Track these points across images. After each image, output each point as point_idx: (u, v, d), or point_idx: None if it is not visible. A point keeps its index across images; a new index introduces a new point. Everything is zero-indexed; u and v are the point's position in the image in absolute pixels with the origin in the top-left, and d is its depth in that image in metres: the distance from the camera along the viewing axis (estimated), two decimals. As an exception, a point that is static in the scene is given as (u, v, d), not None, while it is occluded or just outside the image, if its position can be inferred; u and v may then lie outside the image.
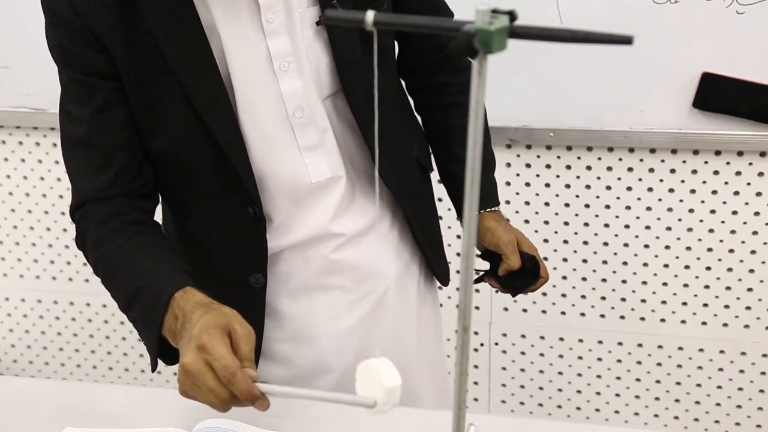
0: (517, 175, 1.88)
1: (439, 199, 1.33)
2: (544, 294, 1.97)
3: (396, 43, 1.20)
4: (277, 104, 1.04)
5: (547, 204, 1.90)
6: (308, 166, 1.08)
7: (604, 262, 1.92)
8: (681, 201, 1.83)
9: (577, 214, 1.89)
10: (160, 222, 1.15)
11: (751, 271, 1.86)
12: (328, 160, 1.09)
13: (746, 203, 1.81)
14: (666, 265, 1.89)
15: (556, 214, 1.90)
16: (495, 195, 1.26)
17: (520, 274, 1.21)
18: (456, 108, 1.23)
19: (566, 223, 1.90)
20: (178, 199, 1.14)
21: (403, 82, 1.27)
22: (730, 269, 1.87)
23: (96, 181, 1.05)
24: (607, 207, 1.87)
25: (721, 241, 1.85)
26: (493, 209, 1.24)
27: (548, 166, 1.87)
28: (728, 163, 1.78)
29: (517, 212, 1.91)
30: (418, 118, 1.30)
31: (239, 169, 1.04)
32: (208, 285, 0.99)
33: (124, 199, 1.06)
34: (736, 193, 1.80)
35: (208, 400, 0.86)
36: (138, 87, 1.01)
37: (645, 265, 1.90)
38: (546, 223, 1.91)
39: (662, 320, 1.94)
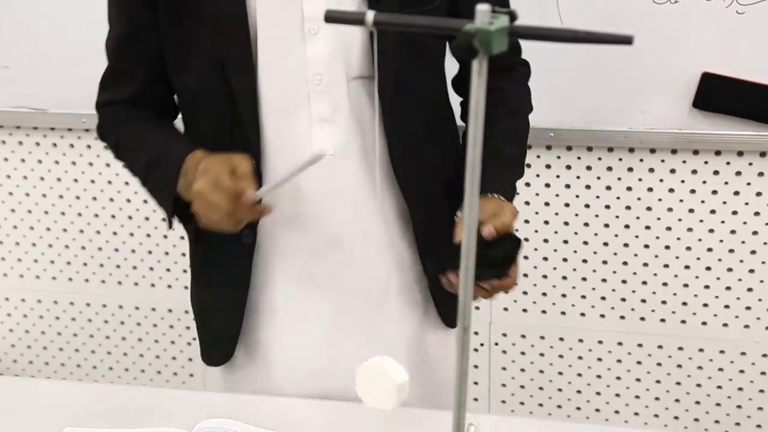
0: (517, 175, 1.88)
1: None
2: (544, 294, 1.97)
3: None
4: (299, 65, 1.05)
5: (547, 204, 1.90)
6: (314, 138, 1.07)
7: (604, 262, 1.92)
8: (681, 201, 1.83)
9: (577, 214, 1.89)
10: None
11: (751, 271, 1.86)
12: (335, 138, 1.07)
13: (746, 203, 1.81)
14: (666, 265, 1.89)
15: (556, 214, 1.90)
16: (509, 187, 1.16)
17: (491, 259, 1.08)
18: (502, 107, 1.17)
19: (566, 223, 1.90)
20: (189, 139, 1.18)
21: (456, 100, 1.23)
22: (730, 269, 1.87)
23: (122, 90, 1.15)
24: (607, 207, 1.87)
25: (721, 241, 1.85)
26: (502, 198, 1.14)
27: (548, 166, 1.86)
28: (728, 163, 1.78)
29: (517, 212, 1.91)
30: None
31: (246, 120, 1.06)
32: (205, 236, 1.11)
33: (146, 109, 1.17)
34: (736, 193, 1.80)
35: (218, 216, 0.98)
36: (171, 22, 1.07)
37: (645, 265, 1.90)
38: (546, 223, 1.91)
39: (662, 320, 1.94)
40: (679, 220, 1.85)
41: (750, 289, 1.88)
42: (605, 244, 1.90)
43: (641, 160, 1.82)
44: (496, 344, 2.05)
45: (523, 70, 1.24)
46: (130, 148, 1.15)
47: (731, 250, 1.85)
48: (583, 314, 1.98)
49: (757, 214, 1.81)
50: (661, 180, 1.82)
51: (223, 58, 1.04)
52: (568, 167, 1.86)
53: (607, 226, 1.89)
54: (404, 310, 1.20)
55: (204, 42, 1.05)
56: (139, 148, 1.14)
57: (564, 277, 1.95)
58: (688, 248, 1.87)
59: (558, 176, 1.87)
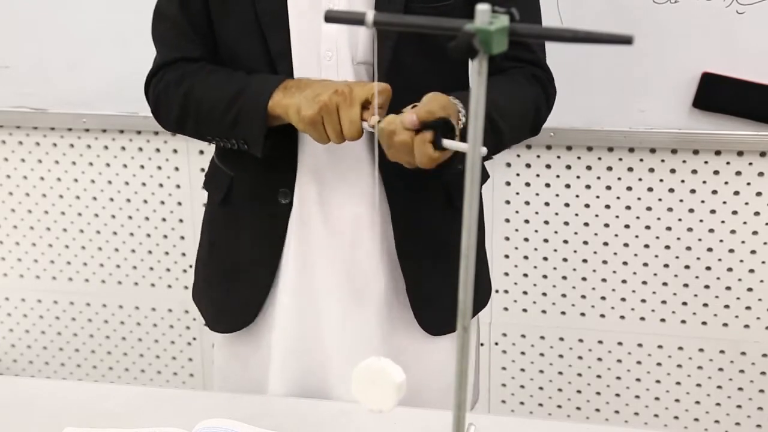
0: (517, 175, 1.88)
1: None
2: (544, 294, 1.97)
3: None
4: (316, 38, 1.09)
5: (547, 204, 1.90)
6: None
7: (604, 262, 1.92)
8: (681, 201, 1.83)
9: (577, 214, 1.89)
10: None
11: (751, 271, 1.86)
12: None
13: (746, 203, 1.81)
14: (666, 265, 1.89)
15: (556, 214, 1.90)
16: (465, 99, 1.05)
17: None
18: (508, 72, 1.19)
19: (566, 223, 1.90)
20: None
21: None
22: (730, 269, 1.87)
23: (185, 51, 1.17)
24: (607, 207, 1.87)
25: (721, 241, 1.85)
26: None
27: (548, 166, 1.87)
28: (728, 163, 1.78)
29: (517, 212, 1.91)
30: None
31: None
32: (241, 198, 1.18)
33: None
34: (736, 193, 1.80)
35: (338, 101, 0.99)
36: None
37: (645, 265, 1.90)
38: (546, 223, 1.91)
39: (662, 320, 1.94)
40: (679, 220, 1.85)
41: (750, 289, 1.88)
42: (605, 244, 1.90)
43: (641, 160, 1.82)
44: (496, 344, 2.05)
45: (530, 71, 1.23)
46: (210, 83, 1.13)
47: (731, 250, 1.85)
48: (583, 314, 1.98)
49: (757, 214, 1.81)
50: (661, 180, 1.82)
51: (261, 19, 1.08)
52: (568, 167, 1.86)
53: (607, 226, 1.89)
54: (382, 312, 1.20)
55: (246, 5, 1.09)
56: (225, 78, 1.12)
57: (564, 277, 1.95)
58: (688, 248, 1.87)
59: (558, 176, 1.87)
